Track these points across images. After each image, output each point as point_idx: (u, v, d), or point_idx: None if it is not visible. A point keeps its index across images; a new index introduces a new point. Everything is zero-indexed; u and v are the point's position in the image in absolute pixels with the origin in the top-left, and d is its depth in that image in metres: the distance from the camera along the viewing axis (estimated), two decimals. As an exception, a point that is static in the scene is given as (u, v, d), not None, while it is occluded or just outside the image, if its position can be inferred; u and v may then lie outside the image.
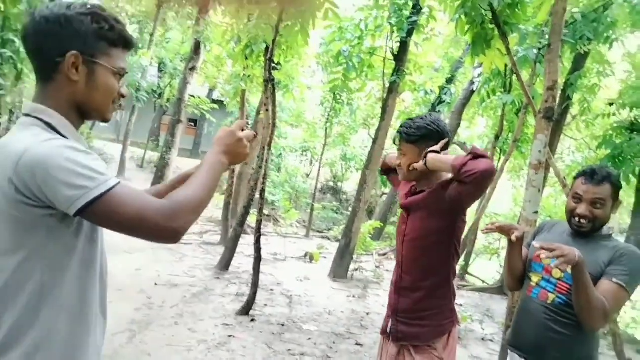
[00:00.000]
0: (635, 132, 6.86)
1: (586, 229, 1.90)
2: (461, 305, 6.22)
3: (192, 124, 21.77)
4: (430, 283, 1.96)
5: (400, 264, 2.02)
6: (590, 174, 1.90)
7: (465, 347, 4.90)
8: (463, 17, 4.01)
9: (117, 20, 1.16)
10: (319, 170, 12.89)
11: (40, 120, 1.09)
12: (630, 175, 6.62)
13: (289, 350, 4.15)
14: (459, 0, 4.17)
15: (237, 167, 8.51)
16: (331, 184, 17.00)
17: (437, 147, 1.88)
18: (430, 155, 1.85)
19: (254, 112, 11.26)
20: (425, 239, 1.94)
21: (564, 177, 4.14)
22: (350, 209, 15.24)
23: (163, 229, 1.03)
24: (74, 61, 1.10)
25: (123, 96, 1.22)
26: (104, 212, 1.00)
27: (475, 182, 1.70)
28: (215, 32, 11.16)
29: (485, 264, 10.20)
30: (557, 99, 3.95)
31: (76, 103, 1.14)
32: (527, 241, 2.13)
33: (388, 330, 2.05)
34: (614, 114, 7.41)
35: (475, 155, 1.71)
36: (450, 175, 1.84)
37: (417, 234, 1.97)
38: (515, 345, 2.03)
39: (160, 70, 17.82)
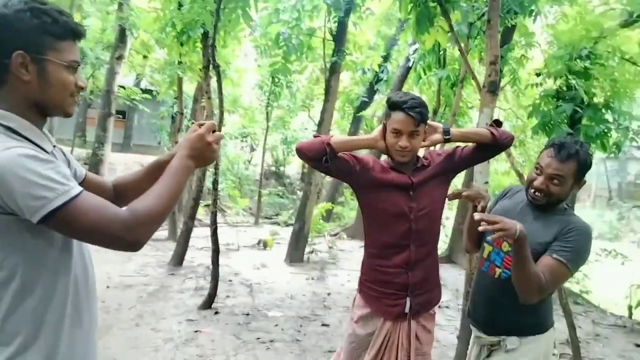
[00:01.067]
0: (561, 100, 7.34)
1: (540, 202, 1.86)
2: (415, 276, 6.45)
3: (120, 116, 20.70)
4: (436, 246, 2.15)
5: (413, 239, 2.01)
6: (558, 148, 1.80)
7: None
8: (407, -5, 4.07)
9: (61, 12, 1.13)
10: (263, 155, 12.75)
11: (1, 125, 1.06)
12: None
13: (258, 338, 4.14)
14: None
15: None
16: (273, 168, 16.90)
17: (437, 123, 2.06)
18: (456, 130, 2.01)
19: (190, 100, 10.90)
20: (437, 208, 2.09)
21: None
22: (294, 192, 15.26)
23: (122, 240, 1.05)
24: (21, 61, 1.07)
25: (82, 88, 1.19)
26: (63, 222, 1.01)
27: (509, 145, 2.11)
28: (142, 18, 10.61)
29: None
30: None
31: (33, 102, 1.11)
32: (489, 205, 2.12)
33: (407, 310, 2.02)
34: (541, 84, 7.88)
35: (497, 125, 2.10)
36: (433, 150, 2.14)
37: (431, 206, 2.05)
38: (472, 318, 2.06)
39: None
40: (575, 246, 1.73)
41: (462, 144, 2.17)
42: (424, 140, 2.02)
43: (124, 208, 1.08)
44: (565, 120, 7.16)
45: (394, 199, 2.02)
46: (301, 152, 1.99)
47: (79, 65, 1.17)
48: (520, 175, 3.97)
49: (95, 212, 1.03)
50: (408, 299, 2.03)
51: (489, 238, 1.98)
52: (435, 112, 9.24)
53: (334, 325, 4.65)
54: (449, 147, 2.20)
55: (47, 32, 1.09)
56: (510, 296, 1.79)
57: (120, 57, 10.91)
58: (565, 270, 1.71)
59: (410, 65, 9.41)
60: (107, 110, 10.79)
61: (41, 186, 0.98)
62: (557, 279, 1.73)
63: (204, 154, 1.24)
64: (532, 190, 1.87)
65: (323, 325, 4.63)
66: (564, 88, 7.51)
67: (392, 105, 1.97)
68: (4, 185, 0.97)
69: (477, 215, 1.66)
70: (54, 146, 1.21)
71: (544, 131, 7.25)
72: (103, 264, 5.99)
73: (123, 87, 12.29)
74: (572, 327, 3.80)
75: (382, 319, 2.05)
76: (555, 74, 7.57)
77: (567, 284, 6.44)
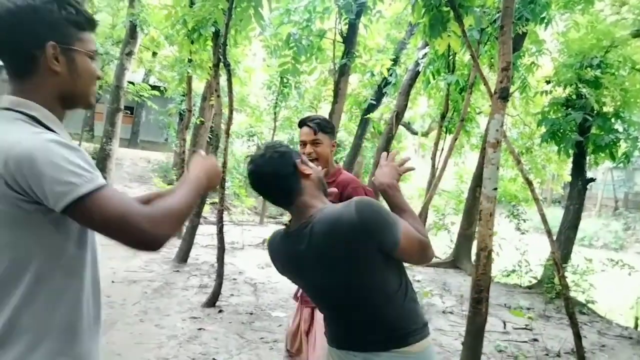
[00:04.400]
0: (570, 108, 7.32)
1: None
2: (419, 280, 6.44)
3: (129, 111, 20.78)
4: None
5: None
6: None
7: (428, 321, 5.09)
8: (420, 0, 4.07)
9: (78, 3, 1.14)
10: (270, 155, 12.68)
11: (24, 114, 1.06)
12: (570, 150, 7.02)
13: (262, 338, 4.13)
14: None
15: (187, 156, 8.24)
16: (279, 168, 16.86)
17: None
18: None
19: (199, 98, 10.93)
20: None
21: (518, 154, 4.36)
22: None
23: (147, 235, 1.02)
24: (52, 52, 1.07)
25: (100, 78, 1.21)
26: (89, 210, 0.98)
27: None
28: (152, 15, 10.65)
29: (433, 239, 10.58)
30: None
31: (61, 94, 1.12)
32: None
33: (299, 295, 2.33)
34: (550, 92, 7.86)
35: None
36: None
37: None
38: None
39: (90, 56, 16.75)
40: None
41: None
42: None
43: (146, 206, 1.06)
44: (575, 129, 7.16)
45: None
46: None
47: (97, 55, 1.19)
48: (529, 183, 3.95)
49: (121, 203, 1.01)
50: None
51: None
52: (443, 117, 9.23)
53: (338, 327, 4.64)
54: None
55: (72, 23, 1.11)
56: None
57: (130, 53, 10.96)
58: None
59: (419, 69, 9.40)
60: (116, 106, 10.83)
61: (70, 172, 0.96)
62: None
63: (211, 174, 1.28)
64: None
65: (326, 326, 4.63)
66: (574, 96, 7.50)
67: (299, 124, 2.36)
68: (33, 168, 0.95)
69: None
70: None
71: (553, 139, 7.25)
72: (108, 259, 6.02)
73: (132, 82, 12.33)
74: (577, 336, 3.77)
75: None
76: (565, 82, 7.56)
77: (572, 293, 6.42)
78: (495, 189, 3.85)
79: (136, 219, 1.00)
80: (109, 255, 6.27)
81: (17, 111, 1.06)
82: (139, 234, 1.01)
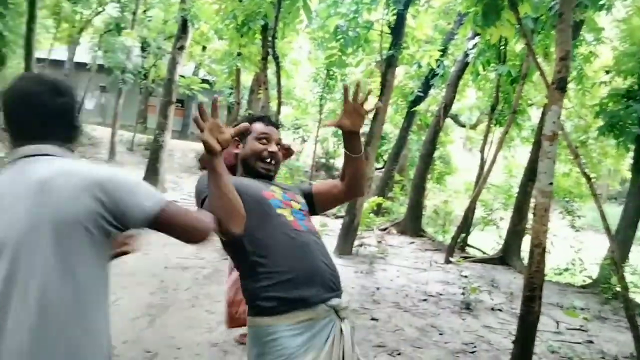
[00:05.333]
0: (631, 100, 6.95)
1: (273, 171, 1.76)
2: (466, 276, 6.31)
3: (179, 104, 21.40)
4: None
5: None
6: (264, 117, 1.80)
7: (476, 318, 5.00)
8: (474, -12, 3.97)
9: None
10: (315, 147, 12.81)
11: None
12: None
13: (308, 327, 4.18)
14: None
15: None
16: (323, 160, 16.96)
17: None
18: None
19: (246, 91, 11.13)
20: None
21: (575, 147, 4.19)
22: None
23: (210, 230, 1.29)
24: None
25: None
26: (169, 217, 1.21)
27: None
28: (203, 10, 10.91)
29: (480, 235, 10.36)
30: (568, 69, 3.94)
31: None
32: None
33: None
34: (609, 82, 7.49)
35: None
36: None
37: None
38: (317, 286, 1.53)
39: (143, 50, 17.37)
40: None
41: None
42: None
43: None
44: (636, 122, 6.79)
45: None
46: None
47: None
48: (588, 178, 3.79)
49: (182, 209, 1.26)
50: None
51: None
52: (493, 109, 8.99)
53: (383, 320, 4.63)
54: None
55: None
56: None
57: (181, 48, 11.25)
58: None
59: (468, 60, 9.17)
60: (168, 98, 11.17)
61: (150, 190, 1.22)
62: None
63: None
64: (268, 160, 1.72)
65: (372, 319, 4.63)
66: (636, 87, 7.11)
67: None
68: (129, 188, 1.17)
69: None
70: None
71: (612, 132, 6.91)
72: (162, 246, 6.27)
73: (183, 76, 12.68)
74: (638, 340, 3.60)
75: None
76: (626, 72, 7.19)
77: (631, 294, 6.12)
78: (551, 183, 3.74)
79: (195, 216, 1.27)
80: (163, 242, 6.52)
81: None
82: (203, 230, 1.27)
